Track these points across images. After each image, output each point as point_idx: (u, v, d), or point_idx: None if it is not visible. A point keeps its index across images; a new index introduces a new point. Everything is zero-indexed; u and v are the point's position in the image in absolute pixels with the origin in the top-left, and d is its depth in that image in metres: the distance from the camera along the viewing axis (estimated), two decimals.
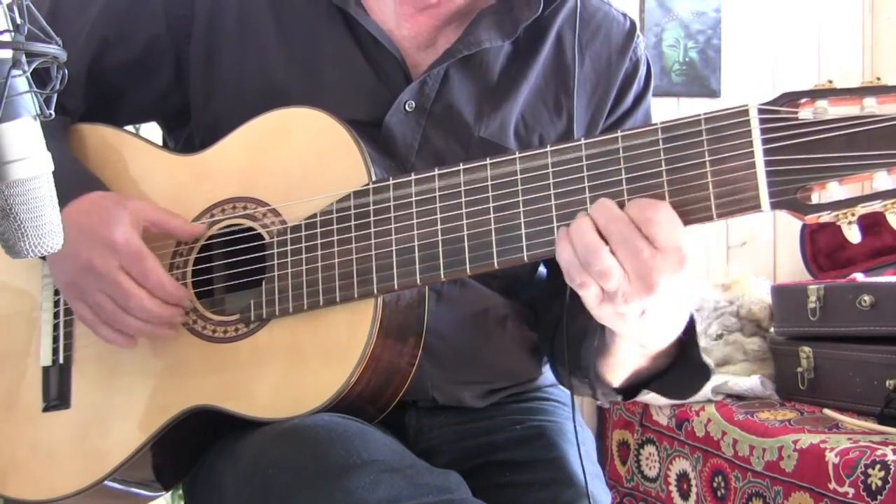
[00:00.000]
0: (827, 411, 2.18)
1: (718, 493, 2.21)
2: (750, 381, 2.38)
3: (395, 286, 1.00)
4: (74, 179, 1.10)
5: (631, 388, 1.11)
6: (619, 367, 1.06)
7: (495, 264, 0.96)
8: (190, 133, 1.22)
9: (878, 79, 0.85)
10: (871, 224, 0.88)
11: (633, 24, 1.24)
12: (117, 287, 1.05)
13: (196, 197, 1.12)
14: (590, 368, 1.08)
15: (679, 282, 0.89)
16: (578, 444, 1.15)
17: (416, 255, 0.99)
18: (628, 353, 1.03)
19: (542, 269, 1.27)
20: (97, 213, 1.05)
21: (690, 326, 1.02)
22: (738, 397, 2.37)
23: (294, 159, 1.08)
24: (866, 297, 2.16)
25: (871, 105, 0.84)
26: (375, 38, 1.13)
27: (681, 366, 1.07)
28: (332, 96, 1.12)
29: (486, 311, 1.20)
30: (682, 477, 2.37)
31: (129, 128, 1.29)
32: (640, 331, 0.95)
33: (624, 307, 0.90)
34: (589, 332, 1.08)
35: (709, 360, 1.08)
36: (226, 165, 1.12)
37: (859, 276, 2.40)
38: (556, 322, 1.19)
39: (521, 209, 0.96)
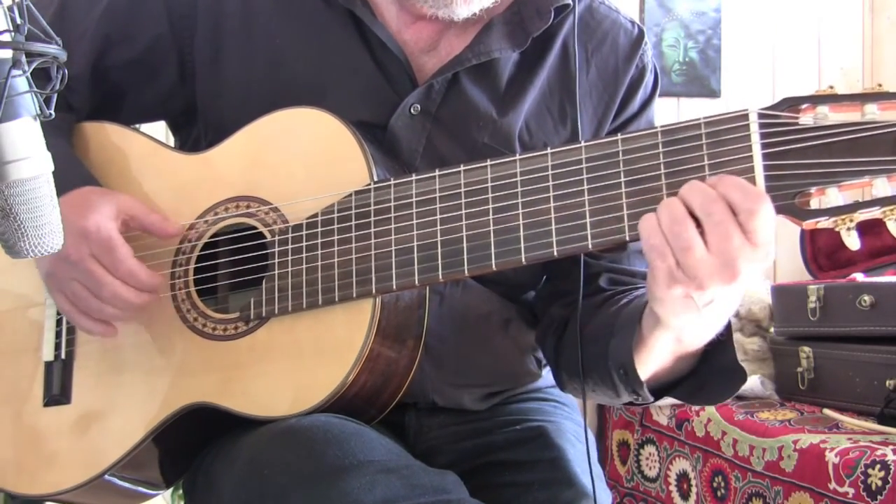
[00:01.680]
0: (827, 411, 2.18)
1: (718, 493, 2.21)
2: (750, 381, 2.38)
3: (394, 286, 1.00)
4: (70, 175, 1.10)
5: (654, 392, 1.08)
6: (649, 364, 1.03)
7: (493, 266, 0.97)
8: (198, 132, 1.22)
9: (880, 85, 0.85)
10: (872, 224, 0.88)
11: (641, 31, 1.23)
12: (90, 275, 1.05)
13: (199, 195, 1.12)
14: (626, 365, 1.04)
15: (756, 273, 0.87)
16: (587, 444, 1.15)
17: (415, 255, 0.99)
18: (662, 348, 1.01)
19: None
20: (81, 204, 1.06)
21: (727, 328, 1.00)
22: (738, 397, 2.37)
23: (297, 159, 1.08)
24: (866, 297, 2.16)
25: (872, 111, 0.84)
26: (382, 41, 1.13)
27: (706, 369, 1.05)
28: (339, 97, 1.12)
29: (489, 314, 1.20)
30: (682, 477, 2.37)
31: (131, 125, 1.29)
32: (693, 321, 0.93)
33: (697, 292, 0.88)
34: (618, 329, 1.06)
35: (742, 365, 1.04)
36: (229, 164, 1.12)
37: (859, 276, 2.40)
38: (558, 324, 1.19)
39: (521, 211, 0.96)
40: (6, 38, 0.74)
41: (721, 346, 1.02)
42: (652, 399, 1.08)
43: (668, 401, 2.34)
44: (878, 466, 1.77)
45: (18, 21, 0.75)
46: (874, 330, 2.16)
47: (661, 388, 1.08)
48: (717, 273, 0.86)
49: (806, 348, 2.29)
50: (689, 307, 0.90)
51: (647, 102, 1.23)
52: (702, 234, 0.86)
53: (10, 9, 0.75)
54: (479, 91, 1.15)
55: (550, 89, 1.18)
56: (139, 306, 1.07)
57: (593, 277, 1.17)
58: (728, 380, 1.05)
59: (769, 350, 2.46)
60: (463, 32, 1.16)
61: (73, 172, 1.11)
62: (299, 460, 0.95)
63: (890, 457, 1.77)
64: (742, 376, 1.04)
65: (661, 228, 0.87)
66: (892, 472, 1.74)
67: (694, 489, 2.31)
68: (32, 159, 0.76)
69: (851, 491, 1.80)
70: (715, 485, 2.22)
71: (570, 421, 1.24)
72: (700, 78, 2.97)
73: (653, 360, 1.03)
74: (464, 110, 1.14)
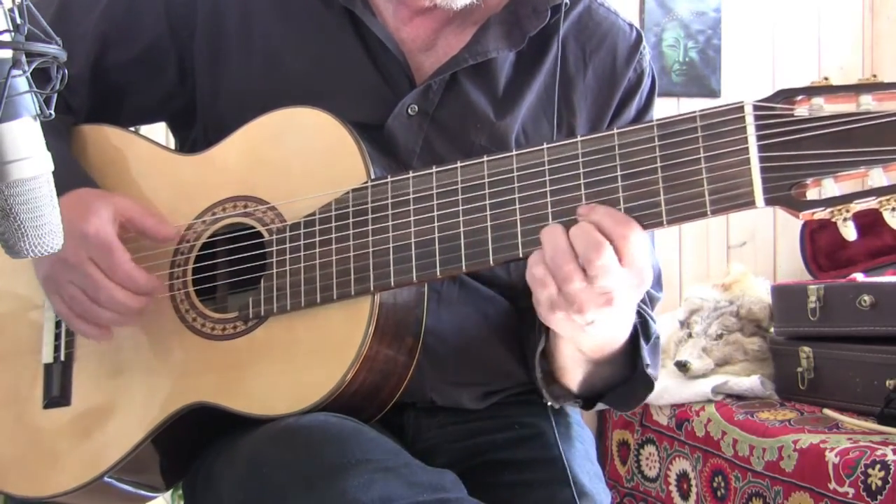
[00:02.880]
0: (827, 411, 2.18)
1: (718, 493, 2.21)
2: (750, 381, 2.38)
3: (392, 283, 1.00)
4: (66, 176, 1.11)
5: (587, 398, 1.15)
6: (568, 370, 1.10)
7: (490, 262, 0.97)
8: (197, 133, 1.22)
9: (875, 76, 0.85)
10: (871, 224, 0.88)
11: (639, 34, 1.23)
12: (88, 279, 1.05)
13: (198, 195, 1.13)
14: (534, 369, 1.12)
15: (635, 299, 0.94)
16: (574, 440, 1.17)
17: (413, 252, 0.99)
18: (571, 356, 1.07)
19: None
20: (79, 206, 1.06)
21: (634, 335, 1.07)
22: (738, 397, 2.37)
23: (295, 158, 1.08)
24: (866, 297, 2.16)
25: (867, 102, 0.84)
26: (381, 40, 1.13)
27: (633, 378, 1.11)
28: (337, 97, 1.12)
29: (487, 313, 1.20)
30: (682, 477, 2.37)
31: (130, 127, 1.29)
32: (583, 337, 0.99)
33: (577, 316, 0.93)
34: (538, 330, 1.11)
35: (653, 373, 1.11)
36: (227, 164, 1.12)
37: (859, 276, 2.40)
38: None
39: (517, 206, 0.96)
40: (6, 38, 0.74)
41: (625, 356, 1.08)
42: (580, 404, 1.17)
43: (669, 400, 2.33)
44: (878, 466, 1.77)
45: (18, 21, 0.75)
46: (874, 330, 2.16)
47: (595, 396, 1.15)
48: (594, 301, 0.92)
49: (806, 348, 2.29)
50: (574, 327, 0.96)
51: (644, 108, 1.23)
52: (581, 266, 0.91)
53: (10, 9, 0.75)
54: (477, 92, 1.15)
55: (547, 91, 1.17)
56: (136, 310, 1.08)
57: None
58: (638, 387, 1.12)
59: (769, 350, 2.46)
60: (460, 31, 1.16)
61: (69, 174, 1.11)
62: (298, 459, 0.95)
63: (890, 457, 1.77)
64: (648, 384, 1.11)
65: (544, 258, 0.92)
66: (892, 472, 1.74)
67: (694, 489, 2.31)
68: (32, 159, 0.77)
69: (851, 491, 1.80)
70: (715, 485, 2.22)
71: (569, 420, 1.24)
72: (700, 78, 2.97)
73: (568, 367, 1.10)
74: (461, 112, 1.14)
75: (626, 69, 1.21)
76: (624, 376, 1.12)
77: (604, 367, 1.09)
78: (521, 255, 0.96)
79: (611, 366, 1.09)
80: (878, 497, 1.75)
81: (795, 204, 0.86)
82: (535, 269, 0.93)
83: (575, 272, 0.91)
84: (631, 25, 1.24)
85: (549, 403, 1.17)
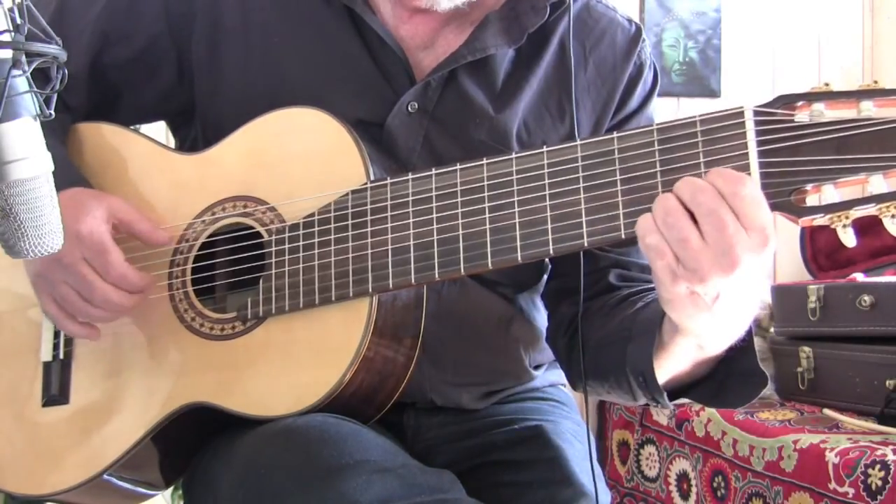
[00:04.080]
0: (827, 411, 2.18)
1: (718, 493, 2.21)
2: None
3: (391, 285, 1.00)
4: (60, 175, 1.10)
5: (671, 393, 1.07)
6: (667, 369, 1.02)
7: (489, 264, 0.96)
8: (197, 132, 1.22)
9: (876, 82, 0.85)
10: (871, 224, 0.88)
11: (638, 28, 1.23)
12: (82, 279, 1.05)
13: (197, 195, 1.13)
14: (646, 372, 1.02)
15: (758, 266, 0.85)
16: (589, 443, 1.15)
17: (412, 254, 0.99)
18: (683, 355, 0.99)
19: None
20: (72, 206, 1.06)
21: (749, 334, 0.98)
22: None
23: (294, 158, 1.08)
24: (866, 297, 2.16)
25: (867, 108, 0.83)
26: (381, 38, 1.13)
27: (727, 373, 1.03)
28: (337, 95, 1.12)
29: (487, 314, 1.20)
30: (682, 477, 2.37)
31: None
32: (708, 322, 0.91)
33: (700, 286, 0.86)
34: (636, 334, 1.04)
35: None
36: (227, 164, 1.12)
37: (859, 276, 2.41)
38: (568, 324, 1.18)
39: (517, 209, 0.96)
40: (6, 38, 0.74)
41: (742, 350, 1.00)
42: (671, 404, 1.07)
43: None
44: (878, 466, 1.77)
45: (18, 21, 0.75)
46: (874, 330, 2.16)
47: (679, 389, 1.06)
48: (716, 263, 0.84)
49: (806, 348, 2.29)
50: (699, 305, 0.89)
51: (646, 99, 1.23)
52: (697, 226, 0.85)
53: (10, 9, 0.75)
54: (476, 88, 1.15)
55: (548, 87, 1.17)
56: (128, 309, 1.08)
57: (602, 273, 1.17)
58: (747, 384, 1.03)
59: (769, 350, 2.46)
60: (459, 29, 1.16)
61: (63, 173, 1.11)
62: (296, 460, 0.95)
63: (890, 457, 1.77)
64: (763, 380, 1.02)
65: (657, 223, 0.86)
66: (892, 472, 1.74)
67: (694, 489, 2.31)
68: (32, 159, 0.77)
69: (851, 491, 1.80)
70: (715, 485, 2.22)
71: (568, 420, 1.24)
72: (700, 78, 2.97)
73: (672, 365, 1.02)
74: (461, 108, 1.14)
75: (627, 62, 1.21)
76: (709, 372, 1.04)
77: (702, 367, 1.02)
78: (519, 259, 0.95)
79: (710, 364, 1.02)
80: (878, 497, 1.75)
81: (795, 210, 0.86)
82: (648, 237, 0.87)
83: (690, 230, 0.85)
84: (630, 20, 1.24)
85: (650, 403, 1.07)
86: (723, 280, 0.86)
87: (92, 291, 1.06)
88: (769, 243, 0.85)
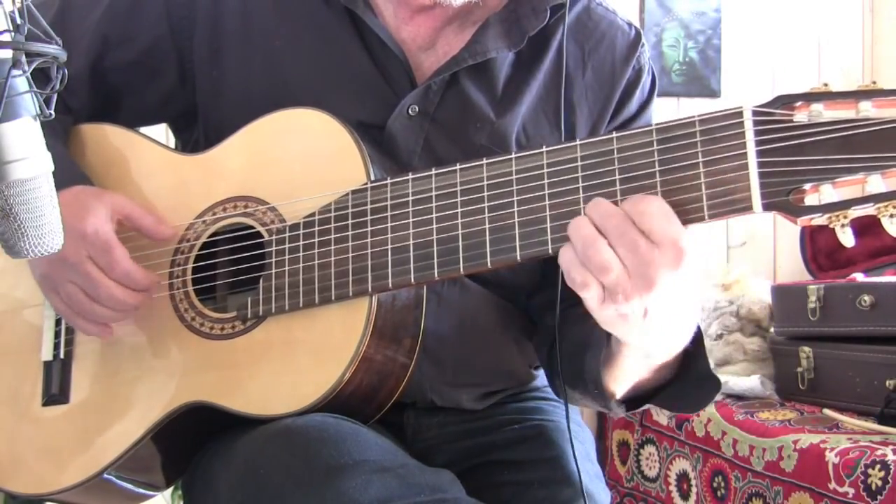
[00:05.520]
0: (827, 411, 2.18)
1: (718, 493, 2.21)
2: (750, 381, 2.38)
3: (390, 285, 1.00)
4: (62, 174, 1.11)
5: (631, 401, 1.09)
6: (623, 379, 1.04)
7: (489, 264, 0.96)
8: (198, 134, 1.22)
9: (875, 82, 0.85)
10: (871, 224, 0.88)
11: (638, 33, 1.23)
12: (87, 277, 1.06)
13: (198, 195, 1.13)
14: (596, 381, 1.05)
15: (679, 278, 0.87)
16: (572, 441, 1.15)
17: (411, 254, 0.99)
18: (633, 364, 1.01)
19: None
20: (76, 205, 1.06)
21: (697, 337, 0.99)
22: (738, 397, 2.37)
23: (295, 159, 1.09)
24: (866, 297, 2.16)
25: (866, 108, 0.83)
26: (381, 40, 1.13)
27: (685, 378, 1.04)
28: (338, 97, 1.12)
29: (487, 315, 1.20)
30: (682, 477, 2.37)
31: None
32: (644, 336, 0.93)
33: (625, 306, 0.88)
34: (592, 343, 1.06)
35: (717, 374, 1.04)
36: (228, 165, 1.13)
37: (859, 276, 2.41)
38: (551, 332, 1.18)
39: (516, 209, 0.96)
40: (6, 38, 0.74)
41: (692, 355, 1.02)
42: (623, 413, 1.09)
43: None
44: (878, 466, 1.77)
45: (18, 21, 0.75)
46: (874, 330, 2.16)
47: (644, 395, 1.08)
48: (635, 285, 0.86)
49: (806, 348, 2.29)
50: (629, 322, 0.90)
51: (644, 104, 1.23)
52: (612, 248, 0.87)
53: (11, 10, 0.75)
54: (477, 92, 1.15)
55: (547, 92, 1.17)
56: (134, 307, 1.08)
57: None
58: (701, 388, 1.04)
59: (769, 350, 2.46)
60: (461, 29, 1.16)
61: (65, 172, 1.12)
62: (295, 460, 0.95)
63: (890, 457, 1.77)
64: (716, 385, 1.04)
65: (577, 255, 0.87)
66: (892, 472, 1.74)
67: (694, 489, 2.31)
68: (32, 159, 0.77)
69: (851, 491, 1.80)
70: (715, 485, 2.22)
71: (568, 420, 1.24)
72: (700, 78, 2.97)
73: (627, 374, 1.03)
74: (461, 111, 1.14)
75: (626, 67, 1.21)
76: (673, 375, 1.05)
77: (661, 372, 1.03)
78: (518, 259, 0.95)
79: (668, 369, 1.03)
80: (878, 497, 1.75)
81: (793, 209, 0.86)
82: (573, 273, 0.88)
83: (610, 257, 0.85)
84: (630, 24, 1.24)
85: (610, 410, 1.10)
86: (646, 297, 0.87)
87: (97, 289, 1.06)
88: (684, 256, 0.86)
